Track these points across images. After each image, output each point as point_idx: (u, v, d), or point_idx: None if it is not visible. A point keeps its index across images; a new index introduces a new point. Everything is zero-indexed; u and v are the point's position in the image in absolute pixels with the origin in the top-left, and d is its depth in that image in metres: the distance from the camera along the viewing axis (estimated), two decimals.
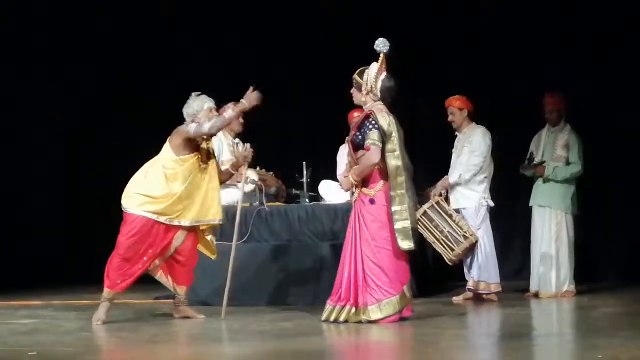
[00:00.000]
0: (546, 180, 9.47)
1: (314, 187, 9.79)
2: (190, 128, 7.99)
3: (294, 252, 9.25)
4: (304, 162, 9.65)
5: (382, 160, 7.65)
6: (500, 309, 8.84)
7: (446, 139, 9.69)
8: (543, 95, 9.59)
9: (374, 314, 7.58)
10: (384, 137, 7.61)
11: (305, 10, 11.60)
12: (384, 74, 7.76)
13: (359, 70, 7.82)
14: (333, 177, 9.98)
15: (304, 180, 9.67)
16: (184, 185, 7.99)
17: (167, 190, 7.96)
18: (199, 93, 8.22)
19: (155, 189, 7.95)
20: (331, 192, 9.72)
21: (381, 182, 7.69)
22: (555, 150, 9.49)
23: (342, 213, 9.24)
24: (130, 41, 11.89)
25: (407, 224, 7.61)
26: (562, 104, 9.55)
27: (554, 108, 9.54)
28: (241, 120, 9.79)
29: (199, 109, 8.11)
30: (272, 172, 9.70)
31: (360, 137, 7.68)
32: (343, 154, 9.92)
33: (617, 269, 10.83)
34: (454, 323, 7.85)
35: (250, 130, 10.01)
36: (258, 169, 9.62)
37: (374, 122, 7.62)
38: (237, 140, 9.90)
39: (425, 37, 11.31)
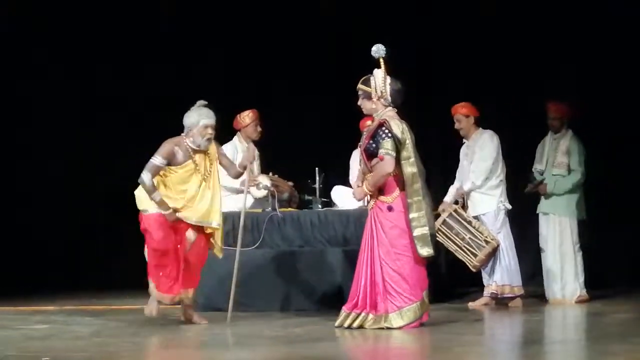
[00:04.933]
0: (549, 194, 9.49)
1: (326, 192, 9.80)
2: (149, 163, 8.00)
3: (306, 258, 9.25)
4: (317, 168, 9.65)
5: (398, 167, 7.63)
6: (513, 314, 8.83)
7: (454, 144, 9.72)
8: (547, 102, 9.61)
9: (395, 321, 7.56)
10: (398, 145, 7.59)
11: (317, 14, 11.62)
12: (389, 78, 7.75)
13: (362, 80, 7.79)
14: (345, 182, 9.98)
15: (316, 185, 9.67)
16: (182, 189, 8.05)
17: (164, 194, 8.03)
18: (204, 103, 8.19)
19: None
20: (343, 198, 9.72)
21: (397, 190, 7.67)
22: (557, 157, 9.49)
23: (354, 219, 9.25)
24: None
25: (426, 230, 7.60)
26: (565, 111, 9.57)
27: (555, 116, 9.57)
28: (259, 129, 9.80)
29: (194, 122, 8.08)
30: (291, 183, 9.71)
31: (373, 145, 7.65)
32: (355, 159, 9.93)
33: (628, 274, 10.79)
34: (468, 329, 7.83)
35: (263, 135, 10.04)
36: (270, 174, 9.64)
37: (387, 131, 7.59)
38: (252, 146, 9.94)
39: (427, 41, 11.35)
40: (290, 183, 9.69)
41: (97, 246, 11.79)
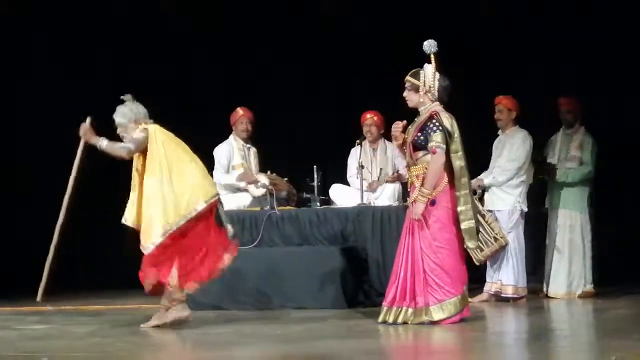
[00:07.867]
0: (560, 183, 9.46)
1: (324, 190, 9.77)
2: None
3: (304, 256, 9.23)
4: (315, 166, 9.62)
5: (446, 161, 7.61)
6: (515, 310, 8.83)
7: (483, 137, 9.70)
8: (556, 97, 9.60)
9: (436, 314, 7.54)
10: (448, 139, 7.58)
11: (312, 12, 11.58)
12: (438, 74, 7.72)
13: (411, 72, 7.72)
14: (344, 180, 9.95)
15: (315, 183, 9.63)
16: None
17: None
18: (128, 97, 7.79)
19: None
20: (342, 196, 9.70)
21: (442, 184, 7.63)
22: (569, 151, 9.51)
23: (353, 216, 9.24)
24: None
25: (472, 223, 7.62)
26: (577, 105, 9.60)
27: (568, 109, 9.58)
28: (243, 127, 9.77)
29: None
30: (286, 178, 9.68)
31: (422, 137, 7.63)
32: (354, 157, 9.89)
33: (632, 271, 10.76)
34: (470, 325, 7.79)
35: (261, 133, 10.02)
36: (269, 172, 9.62)
37: (437, 124, 7.57)
38: (249, 145, 9.91)
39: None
40: (285, 179, 9.68)
41: (96, 246, 11.73)
